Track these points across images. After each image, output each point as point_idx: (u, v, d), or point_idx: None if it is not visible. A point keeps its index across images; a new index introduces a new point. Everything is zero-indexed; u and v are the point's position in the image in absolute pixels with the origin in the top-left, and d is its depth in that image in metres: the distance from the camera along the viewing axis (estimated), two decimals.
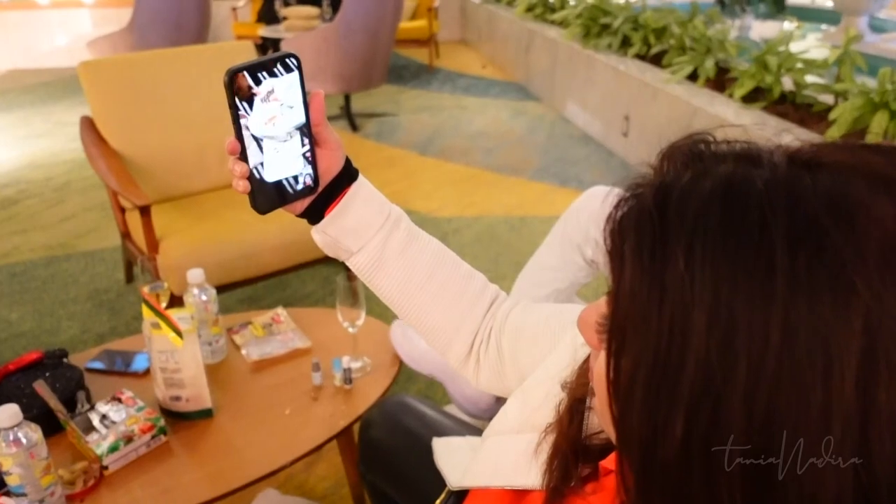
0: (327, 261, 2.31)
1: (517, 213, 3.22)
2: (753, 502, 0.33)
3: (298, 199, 0.70)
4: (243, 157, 0.64)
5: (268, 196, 0.67)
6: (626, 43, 4.17)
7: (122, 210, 2.23)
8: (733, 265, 0.32)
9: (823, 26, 6.57)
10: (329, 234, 0.72)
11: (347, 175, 0.72)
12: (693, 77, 3.49)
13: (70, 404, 1.25)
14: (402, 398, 1.19)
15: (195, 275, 1.40)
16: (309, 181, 0.69)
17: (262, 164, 0.66)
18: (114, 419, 1.21)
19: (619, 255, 0.36)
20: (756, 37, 5.89)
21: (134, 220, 2.13)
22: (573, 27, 4.68)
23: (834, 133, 2.41)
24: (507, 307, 0.78)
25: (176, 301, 1.74)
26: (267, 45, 5.22)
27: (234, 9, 6.16)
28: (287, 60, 0.63)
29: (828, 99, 2.84)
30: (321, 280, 2.61)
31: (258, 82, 0.62)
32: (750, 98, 3.04)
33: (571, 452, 0.54)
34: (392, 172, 3.75)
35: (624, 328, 0.36)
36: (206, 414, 1.28)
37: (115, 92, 2.26)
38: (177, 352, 1.21)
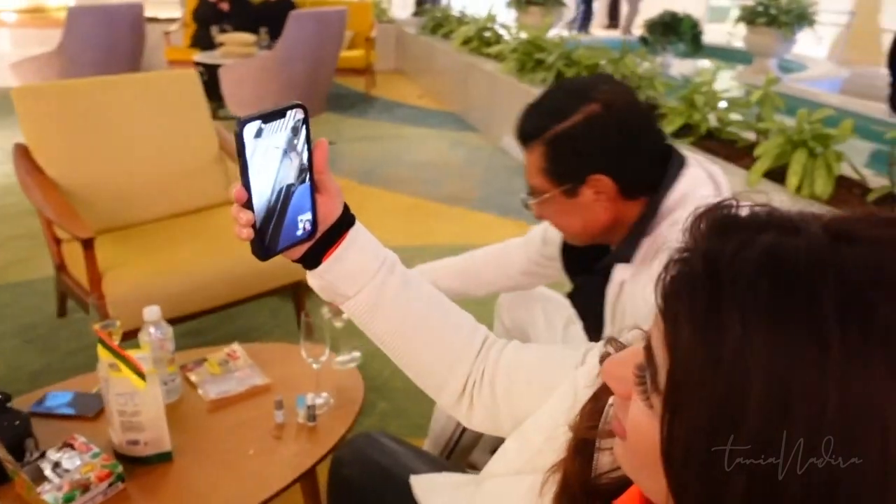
0: (275, 292, 2.28)
1: (462, 242, 3.26)
2: None
3: (298, 245, 0.71)
4: (249, 205, 0.64)
5: (271, 243, 0.68)
6: (560, 78, 4.34)
7: (58, 241, 2.14)
8: (787, 335, 0.34)
9: (739, 67, 7.01)
10: (326, 279, 0.73)
11: (346, 221, 0.73)
12: None
13: (18, 452, 1.18)
14: (370, 435, 1.19)
15: (152, 312, 1.36)
16: (308, 227, 0.70)
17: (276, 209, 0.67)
18: (67, 467, 1.15)
19: (673, 317, 0.39)
20: (675, 73, 6.25)
21: (72, 252, 2.04)
22: (509, 61, 4.83)
23: (759, 168, 2.58)
24: (498, 347, 0.80)
25: (126, 338, 1.68)
26: (201, 71, 5.12)
27: (167, 33, 6.03)
28: (295, 110, 0.64)
29: (750, 135, 3.04)
30: (269, 312, 2.56)
31: (270, 133, 0.63)
32: (679, 134, 3.21)
33: (581, 492, 0.56)
34: None
35: (680, 389, 0.38)
36: (166, 457, 1.24)
37: (52, 119, 2.17)
38: (137, 394, 1.17)
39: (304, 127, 0.66)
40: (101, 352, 1.19)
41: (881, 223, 0.37)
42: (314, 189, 0.69)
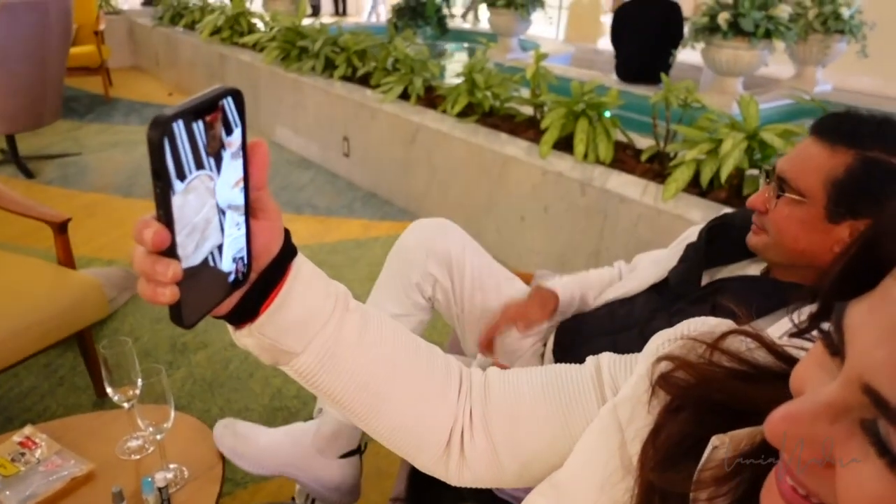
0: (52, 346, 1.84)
1: None
2: None
3: (230, 295, 0.50)
4: (172, 251, 0.42)
5: (200, 299, 0.46)
6: (331, 65, 4.17)
7: None
8: None
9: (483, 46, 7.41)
10: (267, 336, 0.53)
11: (290, 253, 0.54)
12: (405, 95, 3.63)
13: None
14: None
15: None
16: (243, 268, 0.50)
17: (219, 248, 0.45)
18: None
19: None
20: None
21: None
22: (270, 51, 4.52)
23: (549, 139, 2.71)
24: (480, 381, 0.65)
25: None
26: None
27: None
28: (227, 99, 0.43)
29: (527, 110, 3.18)
30: (40, 370, 2.07)
31: (198, 135, 0.41)
32: (462, 113, 3.26)
33: None
34: (97, 222, 3.17)
35: None
36: None
37: None
38: None
39: (240, 124, 0.45)
40: None
41: None
42: (249, 213, 0.49)
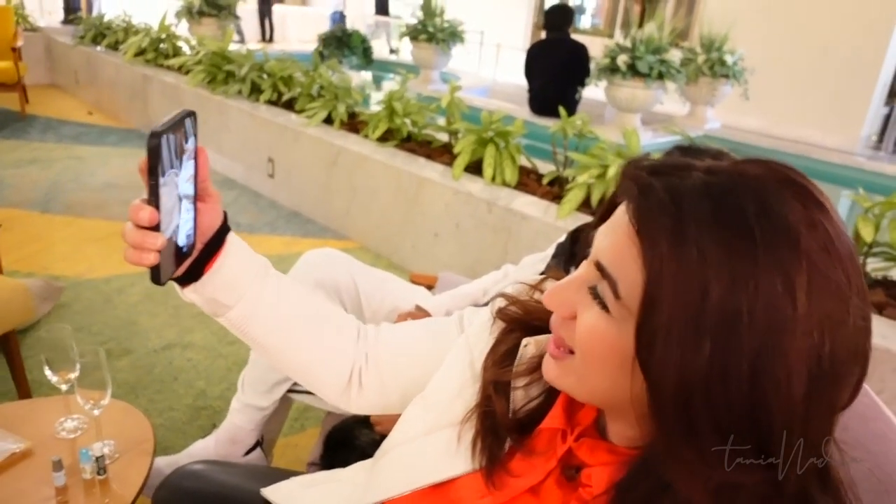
0: None
1: None
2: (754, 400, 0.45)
3: (182, 264, 0.68)
4: (157, 227, 0.60)
5: (169, 263, 0.64)
6: (257, 89, 4.30)
7: None
8: (727, 238, 0.45)
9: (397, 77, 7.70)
10: (207, 293, 0.71)
11: (227, 229, 0.72)
12: (328, 120, 3.81)
13: None
14: (184, 469, 1.10)
15: None
16: (192, 241, 0.68)
17: (178, 227, 0.63)
18: None
19: (650, 236, 0.47)
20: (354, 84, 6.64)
21: None
22: (196, 74, 4.61)
23: (461, 163, 2.95)
24: (373, 330, 0.84)
25: None
26: None
27: None
28: (189, 118, 0.62)
29: (442, 136, 3.43)
30: None
31: (174, 144, 0.60)
32: (383, 138, 3.47)
33: (505, 427, 0.64)
34: (13, 236, 3.17)
35: (659, 290, 0.47)
36: None
37: None
38: None
39: (194, 134, 0.64)
40: None
41: (754, 163, 0.51)
42: (197, 199, 0.67)
